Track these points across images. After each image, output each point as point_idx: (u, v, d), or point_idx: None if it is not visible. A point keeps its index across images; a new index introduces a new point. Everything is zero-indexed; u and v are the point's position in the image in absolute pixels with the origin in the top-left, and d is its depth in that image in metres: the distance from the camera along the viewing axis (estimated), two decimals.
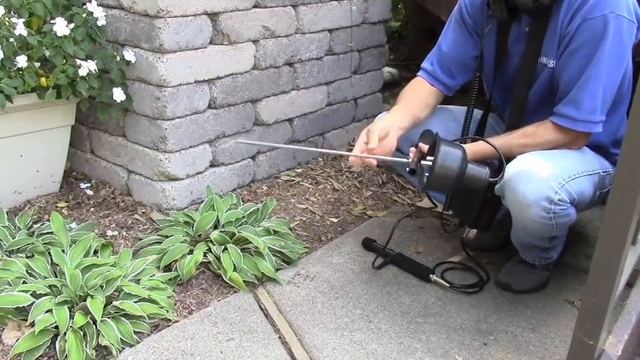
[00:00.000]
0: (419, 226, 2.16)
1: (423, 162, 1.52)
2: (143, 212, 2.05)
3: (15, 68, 1.79)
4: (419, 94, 1.80)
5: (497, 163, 1.61)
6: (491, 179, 1.53)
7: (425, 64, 1.84)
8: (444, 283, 1.79)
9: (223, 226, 1.87)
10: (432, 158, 1.48)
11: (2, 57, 1.75)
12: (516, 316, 1.69)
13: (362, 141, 1.59)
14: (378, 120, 1.69)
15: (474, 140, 1.68)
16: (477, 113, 1.84)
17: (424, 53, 1.89)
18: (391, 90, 3.14)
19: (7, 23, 1.78)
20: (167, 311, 1.58)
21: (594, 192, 1.62)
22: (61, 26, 1.80)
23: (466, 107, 1.80)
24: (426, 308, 1.70)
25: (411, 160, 1.56)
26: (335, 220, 2.17)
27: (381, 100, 2.87)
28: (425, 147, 1.56)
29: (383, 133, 1.61)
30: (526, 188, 1.50)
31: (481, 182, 1.52)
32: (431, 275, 1.81)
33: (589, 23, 1.51)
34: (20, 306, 1.47)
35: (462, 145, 1.58)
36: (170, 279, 1.69)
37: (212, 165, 2.16)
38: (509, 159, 1.57)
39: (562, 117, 1.59)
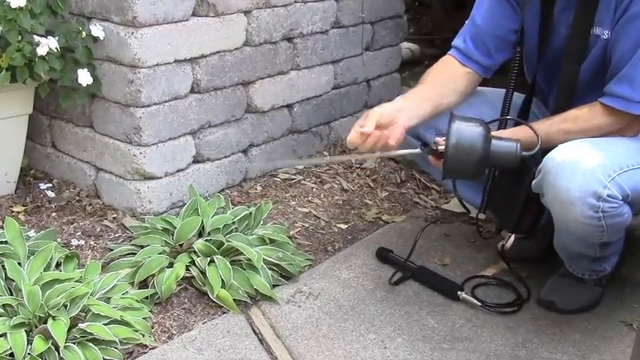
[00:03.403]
0: (445, 232, 2.16)
1: (439, 147, 1.53)
2: (114, 217, 2.07)
3: None
4: (445, 76, 1.81)
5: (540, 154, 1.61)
6: (525, 154, 1.54)
7: (456, 41, 1.85)
8: (475, 301, 1.80)
9: (209, 233, 1.89)
10: None
11: None
12: (562, 341, 1.69)
13: (358, 124, 1.60)
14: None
15: (516, 124, 1.68)
16: (517, 98, 1.84)
17: (450, 25, 1.90)
18: (411, 69, 3.14)
19: None
20: (143, 335, 1.59)
21: None
22: None
23: (504, 90, 1.80)
24: (454, 332, 1.71)
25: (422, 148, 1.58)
26: (344, 226, 2.18)
27: (398, 81, 2.87)
28: None
29: (386, 119, 1.61)
30: (569, 183, 1.50)
31: (512, 158, 1.54)
32: (459, 292, 1.82)
33: None
34: None
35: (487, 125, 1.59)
36: (146, 297, 1.71)
37: (195, 161, 2.17)
38: (549, 149, 1.58)
39: (614, 97, 1.60)
